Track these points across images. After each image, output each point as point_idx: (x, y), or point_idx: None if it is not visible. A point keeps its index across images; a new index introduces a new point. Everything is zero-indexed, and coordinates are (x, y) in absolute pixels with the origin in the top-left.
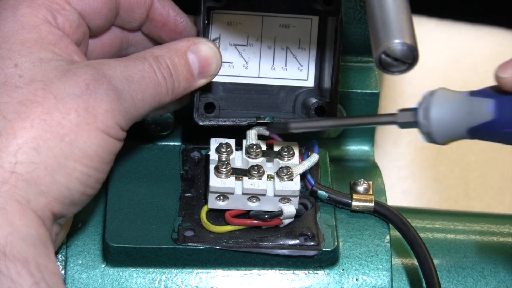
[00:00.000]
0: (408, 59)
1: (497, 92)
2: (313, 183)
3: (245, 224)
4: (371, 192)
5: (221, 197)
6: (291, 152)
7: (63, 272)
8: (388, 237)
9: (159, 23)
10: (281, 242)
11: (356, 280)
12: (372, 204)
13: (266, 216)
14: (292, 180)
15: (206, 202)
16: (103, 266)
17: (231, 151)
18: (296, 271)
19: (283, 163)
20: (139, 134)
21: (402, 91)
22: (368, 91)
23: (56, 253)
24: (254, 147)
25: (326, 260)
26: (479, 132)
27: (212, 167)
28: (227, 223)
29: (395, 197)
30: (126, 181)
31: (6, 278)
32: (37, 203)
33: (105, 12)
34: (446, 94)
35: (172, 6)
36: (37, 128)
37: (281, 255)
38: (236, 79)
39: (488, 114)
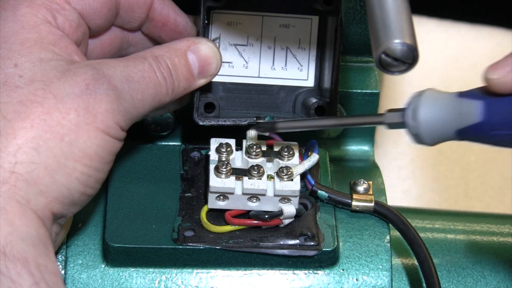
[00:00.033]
0: (408, 59)
1: (486, 93)
2: (313, 183)
3: (245, 224)
4: (371, 192)
5: (221, 197)
6: (291, 152)
7: (63, 272)
8: (388, 237)
9: (159, 23)
10: (281, 242)
11: (356, 280)
12: (372, 204)
13: (266, 216)
14: (292, 180)
15: (206, 202)
16: (103, 266)
17: (231, 151)
18: (296, 271)
19: (283, 163)
20: (139, 134)
21: (402, 91)
22: (368, 91)
23: (56, 253)
24: (254, 147)
25: (326, 260)
26: (467, 133)
27: (212, 167)
28: (227, 223)
29: (395, 197)
30: (126, 181)
31: (6, 278)
32: (37, 203)
33: (105, 12)
34: (434, 95)
35: (172, 6)
36: (37, 128)
37: (281, 255)
38: (236, 79)
39: (476, 116)
